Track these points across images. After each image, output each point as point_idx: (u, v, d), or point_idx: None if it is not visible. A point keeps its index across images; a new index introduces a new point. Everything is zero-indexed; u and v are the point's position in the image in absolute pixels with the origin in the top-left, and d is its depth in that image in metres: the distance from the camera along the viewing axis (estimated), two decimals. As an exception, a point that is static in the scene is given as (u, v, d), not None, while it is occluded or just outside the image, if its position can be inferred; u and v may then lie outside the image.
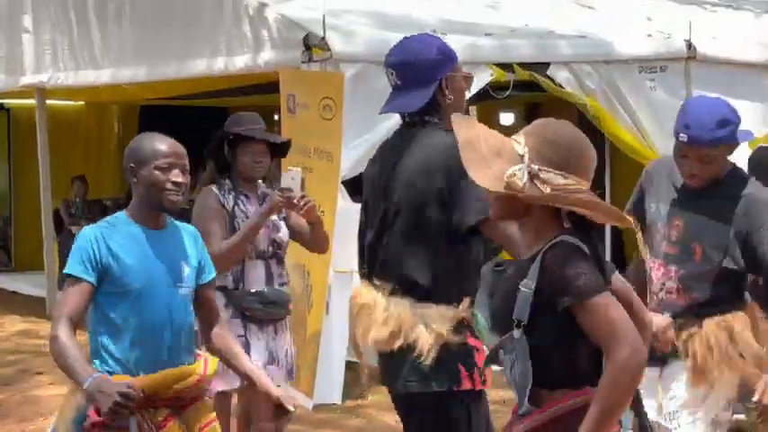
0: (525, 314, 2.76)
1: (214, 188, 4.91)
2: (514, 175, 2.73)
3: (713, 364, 3.92)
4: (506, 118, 12.09)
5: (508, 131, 2.91)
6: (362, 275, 3.77)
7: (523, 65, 7.38)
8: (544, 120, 2.95)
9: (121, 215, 3.68)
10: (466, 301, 3.54)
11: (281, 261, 4.99)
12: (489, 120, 11.91)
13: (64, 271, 3.55)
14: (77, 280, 3.52)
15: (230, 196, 4.88)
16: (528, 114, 12.03)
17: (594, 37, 7.83)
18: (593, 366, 2.78)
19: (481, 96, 7.64)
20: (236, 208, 4.85)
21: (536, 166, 2.75)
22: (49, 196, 10.82)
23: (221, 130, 5.02)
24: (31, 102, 11.12)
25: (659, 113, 7.53)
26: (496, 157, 2.77)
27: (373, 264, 3.69)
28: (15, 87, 10.50)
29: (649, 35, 8.02)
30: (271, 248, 4.93)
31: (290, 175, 4.72)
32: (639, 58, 7.74)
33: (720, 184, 3.96)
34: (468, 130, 2.86)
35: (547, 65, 7.46)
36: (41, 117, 10.62)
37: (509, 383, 2.82)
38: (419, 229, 3.54)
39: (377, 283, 3.64)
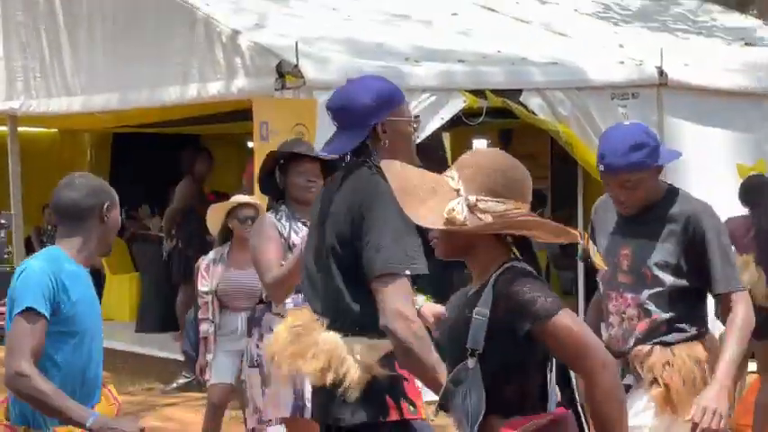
0: (480, 342, 2.75)
1: (270, 215, 4.87)
2: (453, 210, 2.75)
3: (684, 395, 3.91)
4: (479, 144, 12.12)
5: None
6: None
7: (496, 91, 7.41)
8: (474, 150, 3.00)
9: (59, 252, 3.59)
10: None
11: None
12: (462, 146, 11.93)
13: (27, 304, 3.45)
14: (39, 315, 3.44)
15: (287, 224, 4.83)
16: (501, 141, 12.07)
17: (567, 64, 7.87)
18: (542, 392, 2.80)
19: (454, 123, 7.67)
20: (293, 235, 4.81)
21: (474, 197, 2.77)
22: (21, 224, 10.75)
23: (272, 152, 4.97)
24: (3, 129, 11.07)
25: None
26: (433, 196, 2.79)
27: (312, 298, 3.72)
28: (-13, 114, 10.46)
29: (621, 62, 8.07)
30: None
31: None
32: (612, 84, 7.78)
33: (655, 206, 4.00)
34: (398, 175, 2.88)
35: (519, 91, 7.49)
36: (13, 144, 10.57)
37: (459, 417, 2.79)
38: (344, 264, 3.56)
39: (316, 317, 3.66)
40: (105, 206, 3.61)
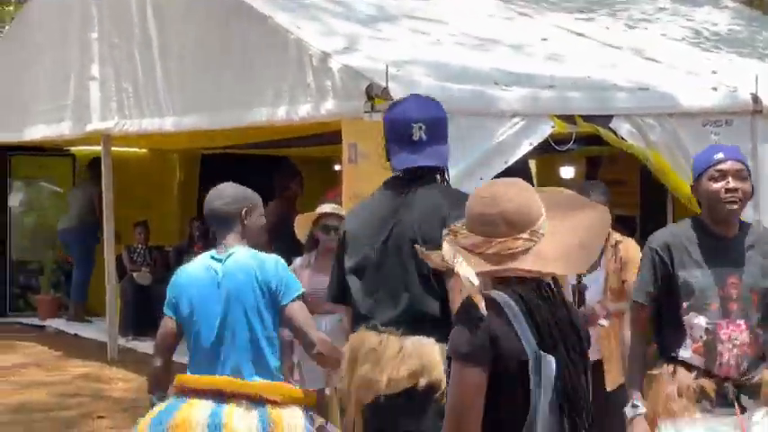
0: None
1: None
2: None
3: None
4: (567, 172, 12.04)
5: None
6: (363, 322, 3.78)
7: (586, 117, 7.33)
8: None
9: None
10: None
11: None
12: (549, 174, 11.87)
13: (302, 290, 4.28)
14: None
15: None
16: (588, 168, 11.96)
17: (658, 89, 7.77)
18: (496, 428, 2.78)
19: (541, 149, 7.60)
20: None
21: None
22: (112, 242, 10.93)
23: None
24: (96, 148, 11.28)
25: None
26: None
27: (379, 310, 3.72)
28: (82, 134, 10.66)
29: (714, 88, 7.94)
30: None
31: None
32: (704, 110, 7.66)
33: (740, 232, 4.21)
34: None
35: (610, 117, 7.40)
36: (107, 163, 10.76)
37: None
38: (426, 272, 3.56)
39: (382, 328, 3.64)
40: (243, 211, 4.29)
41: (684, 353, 4.18)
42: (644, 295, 4.29)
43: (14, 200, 13.33)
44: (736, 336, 4.12)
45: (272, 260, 4.23)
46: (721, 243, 4.18)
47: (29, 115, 11.49)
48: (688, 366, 4.19)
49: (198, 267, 4.30)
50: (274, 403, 4.09)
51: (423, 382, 3.52)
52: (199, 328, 4.22)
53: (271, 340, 4.21)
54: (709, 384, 4.12)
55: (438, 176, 3.76)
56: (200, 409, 4.09)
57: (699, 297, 4.15)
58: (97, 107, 10.34)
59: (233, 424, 4.03)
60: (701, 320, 4.14)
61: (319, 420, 4.30)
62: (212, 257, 4.27)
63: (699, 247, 4.17)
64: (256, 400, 4.09)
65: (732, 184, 4.11)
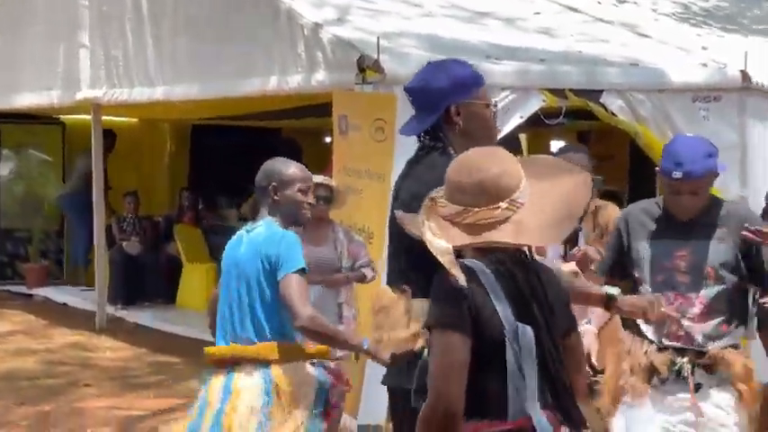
0: None
1: None
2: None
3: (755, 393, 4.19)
4: (557, 146, 12.06)
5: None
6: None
7: (576, 91, 7.35)
8: None
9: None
10: None
11: None
12: (540, 148, 11.88)
13: (301, 265, 4.26)
14: (305, 273, 4.32)
15: None
16: (579, 142, 11.98)
17: (648, 65, 7.79)
18: (478, 397, 2.77)
19: (532, 123, 7.63)
20: None
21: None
22: (102, 211, 10.93)
23: None
24: (85, 117, 11.25)
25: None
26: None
27: (393, 273, 3.81)
28: (71, 102, 10.63)
29: (704, 64, 7.97)
30: None
31: None
32: (693, 86, 7.68)
33: (705, 210, 4.20)
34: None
35: (600, 92, 7.42)
36: (97, 132, 10.74)
37: None
38: (409, 243, 3.61)
39: (397, 289, 3.72)
40: (271, 186, 4.40)
41: (642, 324, 4.25)
42: (601, 266, 4.43)
43: (3, 168, 13.31)
44: (685, 308, 4.13)
45: (279, 234, 4.34)
46: (679, 220, 4.20)
47: (18, 83, 11.46)
48: (644, 338, 4.25)
49: (235, 236, 4.56)
50: (276, 362, 4.30)
51: (420, 343, 3.59)
52: (223, 292, 4.50)
53: (271, 311, 4.34)
54: (660, 359, 4.17)
55: (440, 146, 3.72)
56: (218, 382, 4.40)
57: (645, 268, 4.21)
58: (87, 76, 10.31)
59: (239, 387, 4.30)
60: (648, 291, 4.19)
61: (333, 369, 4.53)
62: (246, 228, 4.50)
63: (654, 222, 4.23)
64: (259, 362, 4.31)
65: (684, 202, 4.15)
